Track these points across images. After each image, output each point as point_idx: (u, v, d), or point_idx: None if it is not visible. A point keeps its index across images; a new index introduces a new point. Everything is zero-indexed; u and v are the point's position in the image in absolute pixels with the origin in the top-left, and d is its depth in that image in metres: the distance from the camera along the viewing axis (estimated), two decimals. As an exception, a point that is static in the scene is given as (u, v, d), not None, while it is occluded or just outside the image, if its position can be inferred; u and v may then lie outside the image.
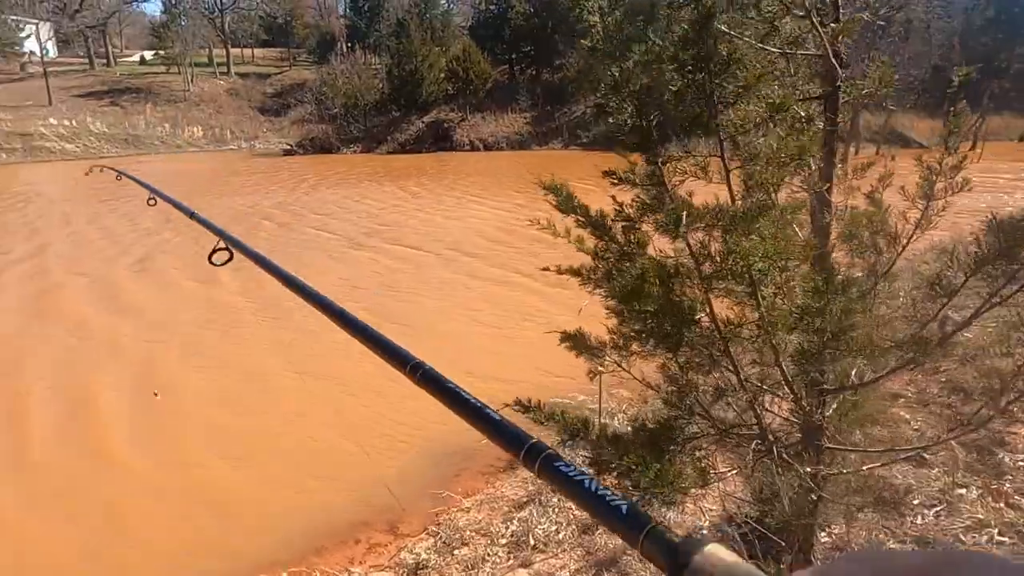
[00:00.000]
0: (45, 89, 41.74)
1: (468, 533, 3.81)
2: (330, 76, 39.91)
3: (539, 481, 4.35)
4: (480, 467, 4.83)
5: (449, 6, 55.06)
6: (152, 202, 2.48)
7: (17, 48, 45.29)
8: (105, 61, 53.01)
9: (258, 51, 59.32)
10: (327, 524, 4.43)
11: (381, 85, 40.66)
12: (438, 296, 9.88)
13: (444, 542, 3.85)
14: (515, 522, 3.79)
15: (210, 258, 1.61)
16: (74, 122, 39.19)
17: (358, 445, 5.48)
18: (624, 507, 0.56)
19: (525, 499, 4.00)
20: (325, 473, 5.14)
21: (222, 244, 1.62)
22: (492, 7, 45.57)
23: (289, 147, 37.71)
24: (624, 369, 2.61)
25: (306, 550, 4.15)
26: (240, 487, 5.02)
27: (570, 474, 0.62)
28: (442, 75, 39.39)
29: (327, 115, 39.46)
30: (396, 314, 8.84)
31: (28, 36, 46.72)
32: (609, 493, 0.58)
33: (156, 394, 6.63)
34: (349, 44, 50.36)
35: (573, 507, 3.72)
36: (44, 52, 45.99)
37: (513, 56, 44.28)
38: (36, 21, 48.59)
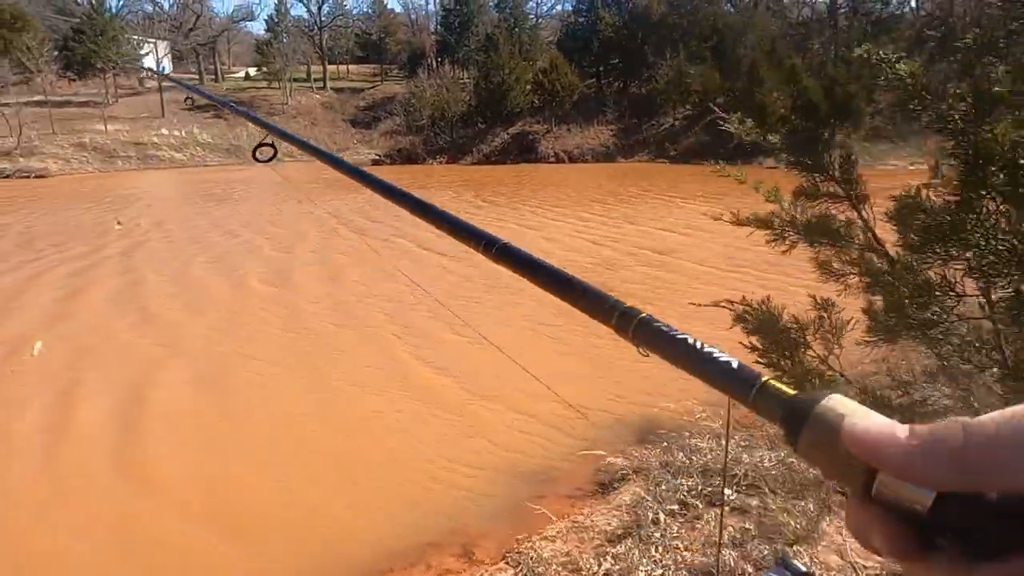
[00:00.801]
0: (160, 102, 44.71)
1: (554, 568, 3.28)
2: (418, 89, 40.69)
3: (637, 498, 3.83)
4: (565, 490, 4.30)
5: (538, 20, 55.26)
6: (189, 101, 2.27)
7: (137, 64, 48.81)
8: (214, 77, 56.38)
9: (353, 67, 61.49)
10: (395, 544, 4.01)
11: (468, 98, 41.10)
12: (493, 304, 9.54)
13: (525, 576, 3.34)
14: (609, 559, 3.24)
15: (254, 154, 1.55)
16: (183, 133, 41.68)
17: (430, 460, 5.06)
18: (734, 363, 0.52)
19: (620, 531, 3.44)
20: (394, 490, 4.74)
21: (269, 139, 1.50)
22: (581, 20, 45.30)
23: (377, 157, 38.61)
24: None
25: (370, 572, 3.74)
26: (308, 502, 4.70)
27: (670, 332, 0.59)
28: (528, 87, 39.36)
29: (415, 127, 40.18)
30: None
31: (147, 54, 50.26)
32: (716, 350, 0.54)
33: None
34: (439, 59, 51.39)
35: (683, 546, 3.13)
36: (161, 68, 49.31)
37: (601, 68, 43.78)
38: (154, 40, 52.21)
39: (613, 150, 37.38)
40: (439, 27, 55.62)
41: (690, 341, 0.57)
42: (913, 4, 49.05)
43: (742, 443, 4.35)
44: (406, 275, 10.87)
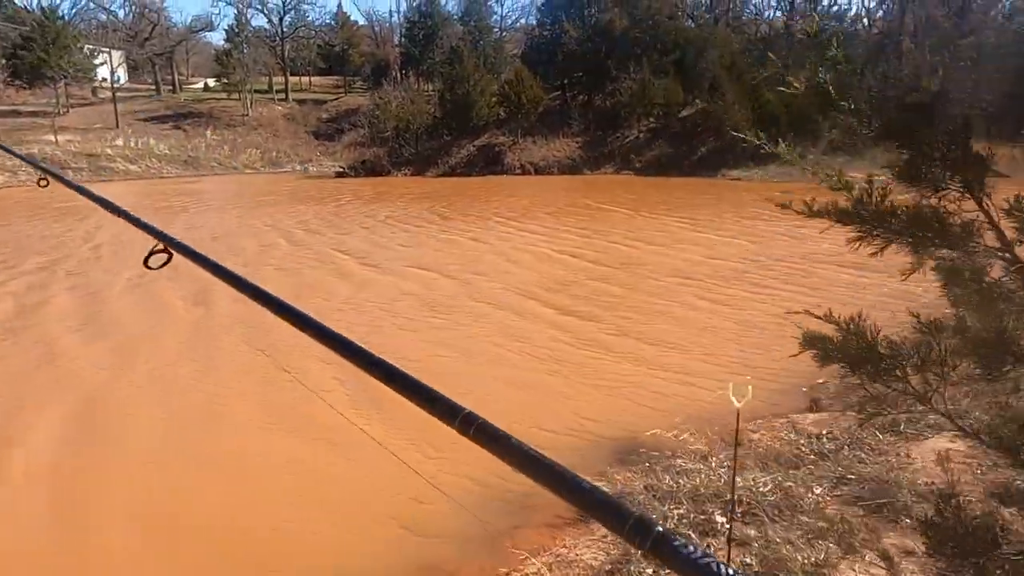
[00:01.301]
0: (114, 113, 43.39)
1: (538, 612, 3.00)
2: (383, 100, 40.32)
3: (632, 549, 3.56)
4: (544, 518, 4.02)
5: (502, 33, 55.43)
6: (44, 183, 2.02)
7: (91, 74, 47.34)
8: (171, 87, 55.06)
9: (315, 78, 60.74)
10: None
11: (433, 109, 40.89)
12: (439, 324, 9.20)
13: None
14: (597, 600, 2.98)
15: (146, 262, 1.35)
16: (139, 144, 40.47)
17: (392, 488, 4.73)
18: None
19: (608, 567, 3.18)
20: (357, 536, 4.41)
21: (160, 246, 1.34)
22: (545, 33, 45.56)
23: (341, 169, 38.02)
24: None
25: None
26: (263, 530, 4.34)
27: (695, 557, 0.52)
28: (493, 99, 39.35)
29: (379, 139, 39.76)
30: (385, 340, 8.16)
31: (102, 64, 48.82)
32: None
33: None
34: (404, 70, 51.09)
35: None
36: (115, 79, 47.91)
37: (565, 81, 44.02)
38: (108, 49, 50.76)
39: (579, 162, 37.54)
40: (403, 39, 55.36)
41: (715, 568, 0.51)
42: (866, 22, 50.68)
43: (728, 463, 4.15)
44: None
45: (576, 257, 13.71)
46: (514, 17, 60.74)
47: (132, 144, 40.17)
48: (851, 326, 2.02)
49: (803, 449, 3.81)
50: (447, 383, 6.82)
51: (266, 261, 13.77)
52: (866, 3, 53.78)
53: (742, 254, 13.82)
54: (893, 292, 10.20)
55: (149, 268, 1.34)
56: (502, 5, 56.71)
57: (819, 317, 2.06)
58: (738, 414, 2.82)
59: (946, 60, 33.26)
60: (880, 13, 50.28)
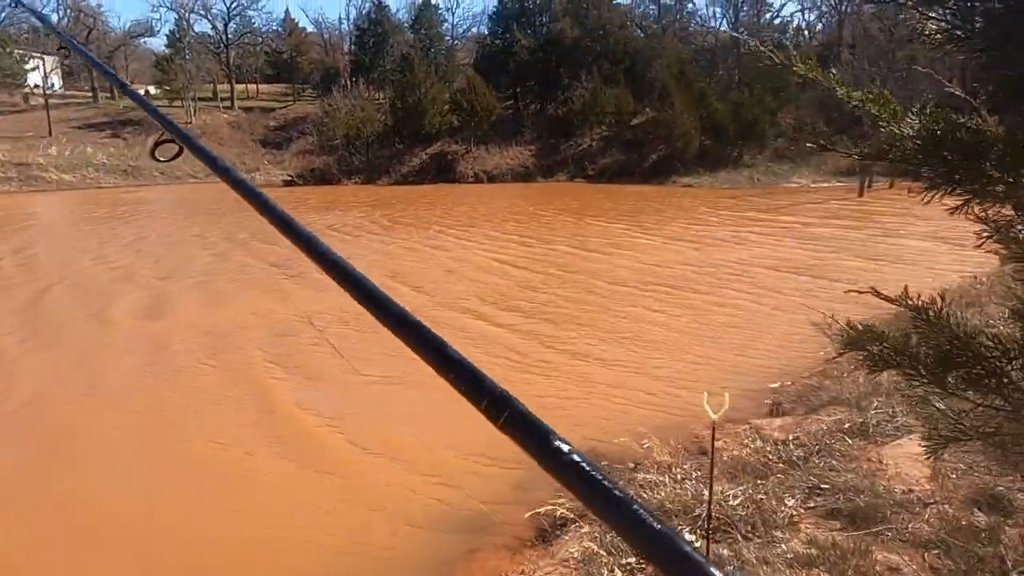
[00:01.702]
0: (46, 120, 41.40)
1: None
2: (332, 108, 39.56)
3: (587, 551, 3.30)
4: (502, 540, 3.73)
5: (454, 42, 55.24)
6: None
7: (21, 81, 45.12)
8: (109, 94, 52.92)
9: (263, 86, 59.34)
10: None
11: (384, 118, 40.35)
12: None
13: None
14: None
15: (152, 153, 1.29)
16: (74, 152, 38.68)
17: (335, 522, 4.37)
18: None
19: (570, 595, 2.92)
20: (300, 544, 4.03)
21: (166, 136, 1.23)
22: (497, 42, 45.56)
23: (289, 178, 37.11)
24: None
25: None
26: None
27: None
28: (446, 107, 39.08)
29: (328, 147, 38.97)
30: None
31: (33, 69, 46.59)
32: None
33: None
34: (353, 78, 50.33)
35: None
36: (48, 85, 45.79)
37: (518, 90, 44.08)
38: (40, 54, 48.53)
39: (532, 170, 37.55)
40: (353, 46, 54.59)
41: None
42: (807, 34, 52.37)
43: (694, 473, 3.94)
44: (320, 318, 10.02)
45: (521, 268, 13.50)
46: (465, 26, 60.58)
47: (67, 153, 38.37)
48: (931, 312, 1.62)
49: (770, 457, 3.64)
50: (390, 408, 6.49)
51: (188, 273, 13.08)
52: (806, 16, 55.66)
53: (689, 260, 13.86)
54: (846, 297, 10.29)
55: (157, 160, 1.31)
56: (453, 14, 56.58)
57: (886, 298, 1.71)
58: (713, 428, 2.61)
59: (883, 71, 34.54)
60: (820, 26, 52.15)
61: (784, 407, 5.17)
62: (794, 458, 3.56)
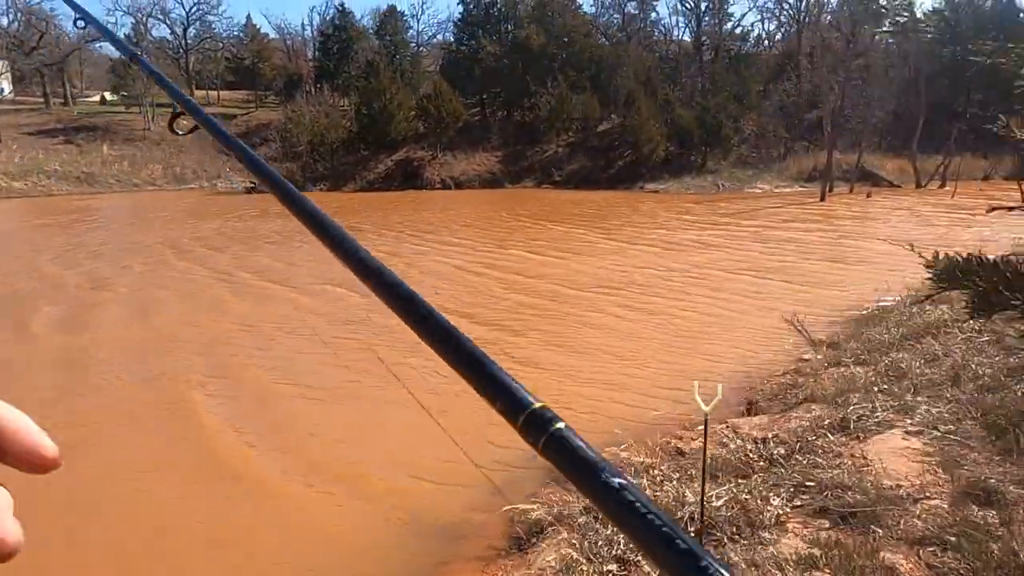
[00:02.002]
0: (-6, 126, 39.96)
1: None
2: (295, 114, 38.97)
3: (565, 559, 3.14)
4: (475, 550, 3.54)
5: (419, 48, 55.03)
6: None
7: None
8: (63, 100, 51.32)
9: (225, 93, 58.24)
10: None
11: (349, 124, 39.92)
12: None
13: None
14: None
15: (171, 126, 1.35)
16: (24, 159, 37.37)
17: (300, 541, 4.12)
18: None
19: (546, 606, 2.74)
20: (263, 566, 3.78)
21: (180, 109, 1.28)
22: (463, 48, 45.51)
23: (252, 185, 36.29)
24: None
25: None
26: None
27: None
28: (412, 113, 38.83)
29: (292, 154, 38.34)
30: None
31: (-19, 74, 44.98)
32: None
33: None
34: (317, 84, 49.69)
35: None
36: (-3, 90, 44.23)
37: (484, 96, 44.04)
38: (-11, 58, 46.90)
39: (500, 176, 37.50)
40: (317, 53, 53.98)
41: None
42: (767, 43, 53.49)
43: (674, 475, 3.81)
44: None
45: (490, 268, 13.35)
46: (431, 32, 60.44)
47: (16, 160, 37.03)
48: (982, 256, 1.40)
49: (751, 456, 3.53)
50: (355, 412, 6.23)
51: (124, 282, 12.54)
52: (766, 26, 56.91)
53: (655, 263, 13.87)
54: (811, 299, 10.40)
55: (176, 133, 1.36)
56: (418, 21, 56.34)
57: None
58: (706, 421, 2.48)
59: (840, 79, 35.38)
60: (779, 36, 53.28)
61: (760, 406, 5.09)
62: (775, 456, 3.44)
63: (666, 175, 36.06)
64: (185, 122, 1.33)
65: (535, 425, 0.48)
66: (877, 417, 3.55)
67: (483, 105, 44.17)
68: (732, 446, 3.71)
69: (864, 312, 8.35)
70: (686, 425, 5.25)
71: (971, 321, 4.85)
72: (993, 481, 2.58)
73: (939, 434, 3.23)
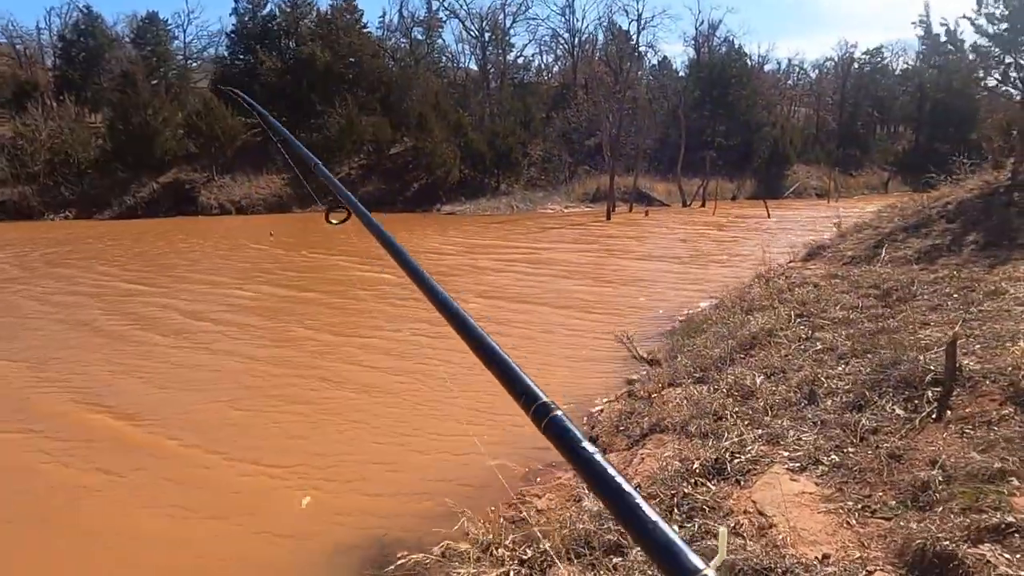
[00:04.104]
0: None
1: None
2: (28, 128, 32.79)
3: None
4: None
5: (187, 61, 49.85)
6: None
7: None
8: None
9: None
10: None
11: (102, 142, 34.56)
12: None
13: None
14: None
15: (327, 217, 1.66)
16: None
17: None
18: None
19: None
20: None
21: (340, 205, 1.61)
22: (239, 62, 42.02)
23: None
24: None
25: None
26: None
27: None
28: (181, 131, 34.71)
29: (25, 175, 32.06)
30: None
31: None
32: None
33: None
34: (60, 96, 42.55)
35: None
36: None
37: (266, 115, 40.89)
38: None
39: (287, 200, 34.77)
40: (58, 60, 46.42)
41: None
42: (546, 76, 56.72)
43: (523, 551, 2.94)
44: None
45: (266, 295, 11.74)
46: (201, 45, 54.90)
47: None
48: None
49: (610, 522, 2.80)
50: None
51: None
52: (544, 58, 60.34)
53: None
54: (597, 326, 10.33)
55: (331, 223, 1.66)
56: (185, 31, 50.73)
57: None
58: None
59: (614, 109, 38.38)
60: (556, 68, 56.81)
61: (602, 441, 4.46)
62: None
63: (462, 197, 36.14)
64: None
65: (539, 412, 0.76)
66: (749, 452, 3.03)
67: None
68: (588, 511, 2.95)
69: (680, 321, 8.32)
70: (506, 472, 4.45)
71: (798, 327, 4.66)
72: (929, 539, 2.08)
73: (826, 468, 2.78)
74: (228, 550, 3.84)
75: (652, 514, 0.60)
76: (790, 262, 8.95)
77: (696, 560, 0.55)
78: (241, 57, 42.33)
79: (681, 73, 54.00)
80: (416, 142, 37.34)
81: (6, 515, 4.34)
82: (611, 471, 0.65)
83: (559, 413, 0.73)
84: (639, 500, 0.62)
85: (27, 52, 53.34)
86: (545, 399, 0.76)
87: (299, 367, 7.65)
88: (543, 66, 56.58)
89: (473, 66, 51.68)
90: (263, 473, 4.85)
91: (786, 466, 2.77)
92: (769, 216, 27.70)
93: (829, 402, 3.39)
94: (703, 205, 37.09)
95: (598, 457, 0.67)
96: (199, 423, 5.83)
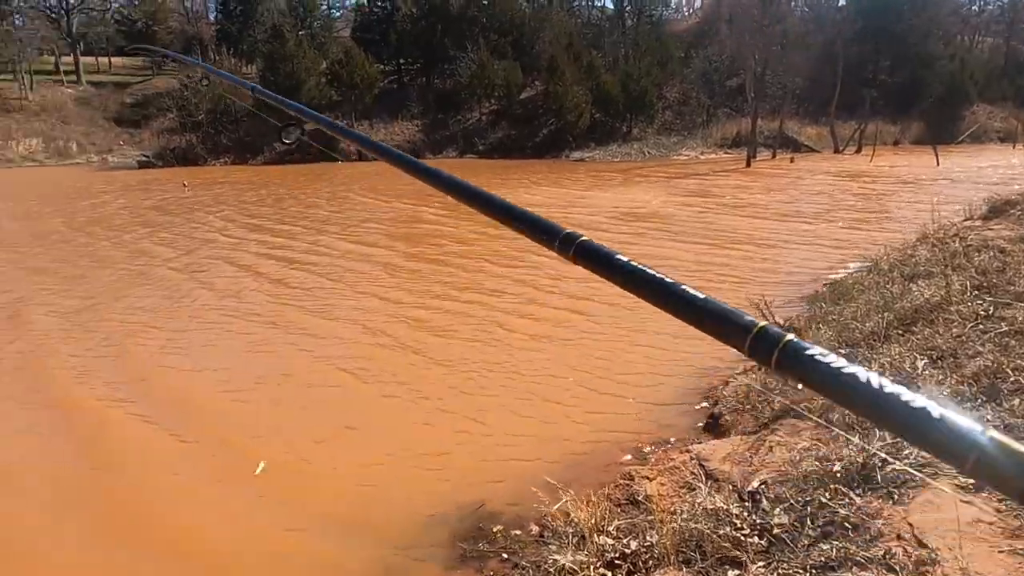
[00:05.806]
0: None
1: None
2: (192, 80, 35.66)
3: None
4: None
5: (330, 11, 51.79)
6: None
7: None
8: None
9: (119, 59, 53.08)
10: None
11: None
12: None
13: None
14: None
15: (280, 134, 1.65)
16: None
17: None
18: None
19: None
20: None
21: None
22: (376, 10, 42.93)
23: (146, 159, 33.17)
24: None
25: None
26: None
27: (830, 362, 0.50)
28: (324, 80, 36.28)
29: (191, 124, 35.13)
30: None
31: None
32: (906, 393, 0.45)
33: None
34: (220, 49, 45.93)
35: None
36: None
37: (401, 62, 41.79)
38: None
39: (420, 146, 35.60)
40: (219, 15, 49.90)
41: (863, 377, 0.50)
42: (686, 12, 53.14)
43: (630, 543, 2.69)
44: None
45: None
46: (344, -5, 56.73)
47: None
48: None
49: (736, 521, 2.46)
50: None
51: None
52: (686, -7, 56.49)
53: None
54: (750, 276, 9.58)
55: (285, 143, 1.66)
56: (330, -18, 52.64)
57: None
58: None
59: (760, 45, 35.18)
60: (698, 2, 53.05)
61: (724, 419, 4.05)
62: (775, 525, 2.38)
63: (592, 143, 35.19)
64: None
65: (565, 243, 0.79)
66: (907, 457, 2.53)
67: (400, 71, 41.92)
68: (708, 505, 2.62)
69: (824, 284, 7.46)
70: (626, 445, 4.16)
71: (975, 302, 3.92)
72: None
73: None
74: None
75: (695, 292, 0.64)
76: (966, 220, 7.72)
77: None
78: (379, 4, 43.17)
79: (841, 1, 48.46)
80: (547, 86, 36.59)
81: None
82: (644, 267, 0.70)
83: (585, 237, 0.77)
84: (683, 287, 0.65)
85: (192, 8, 57.90)
86: (568, 231, 0.79)
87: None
88: (684, 0, 53.10)
89: (609, 3, 49.52)
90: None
91: (955, 482, 2.26)
92: (938, 164, 24.50)
93: (1016, 401, 2.75)
94: (859, 151, 33.54)
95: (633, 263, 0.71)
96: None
